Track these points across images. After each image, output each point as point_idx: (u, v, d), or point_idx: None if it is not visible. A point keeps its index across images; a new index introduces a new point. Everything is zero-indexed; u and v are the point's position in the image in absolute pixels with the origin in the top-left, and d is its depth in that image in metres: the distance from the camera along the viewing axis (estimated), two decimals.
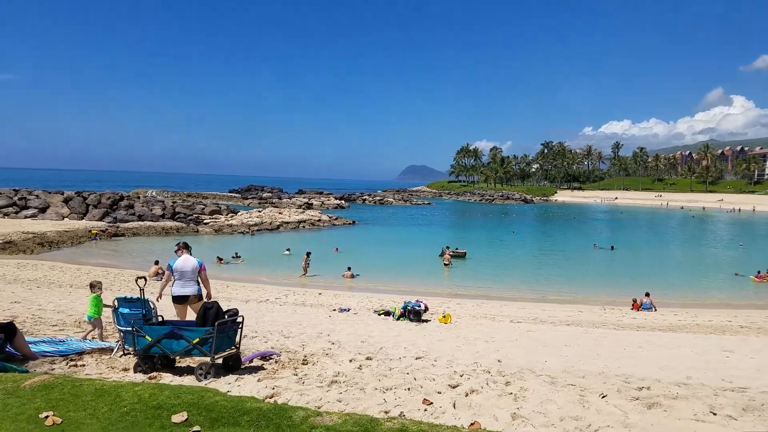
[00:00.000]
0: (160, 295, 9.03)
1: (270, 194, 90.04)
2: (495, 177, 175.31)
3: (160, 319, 7.11)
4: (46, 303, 13.34)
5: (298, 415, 3.89)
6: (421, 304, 14.17)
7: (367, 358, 7.73)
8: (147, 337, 6.24)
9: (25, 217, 42.44)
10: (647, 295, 21.19)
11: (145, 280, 7.25)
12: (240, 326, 6.72)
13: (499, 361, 8.51)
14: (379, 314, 14.83)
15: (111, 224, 42.77)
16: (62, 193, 48.49)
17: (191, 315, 8.37)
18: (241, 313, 6.97)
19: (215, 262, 30.44)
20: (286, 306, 16.19)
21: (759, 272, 30.24)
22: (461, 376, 6.37)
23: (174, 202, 54.18)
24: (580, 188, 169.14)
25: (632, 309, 20.75)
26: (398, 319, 13.92)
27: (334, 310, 15.51)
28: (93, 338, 8.65)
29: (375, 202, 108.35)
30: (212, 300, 7.36)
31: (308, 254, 28.18)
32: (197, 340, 6.12)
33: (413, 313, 13.88)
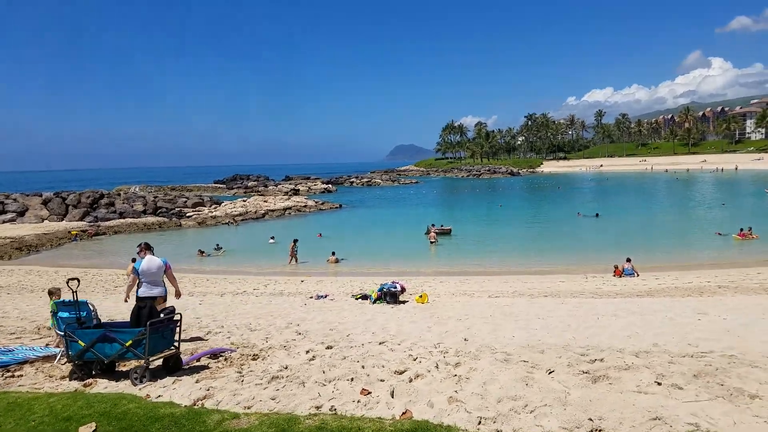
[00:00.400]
0: (127, 297, 8.81)
1: (255, 183, 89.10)
2: (481, 152, 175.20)
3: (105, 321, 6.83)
4: (11, 309, 13.01)
5: (212, 419, 3.67)
6: (397, 285, 13.99)
7: (327, 347, 7.53)
8: (80, 341, 5.97)
9: (3, 222, 41.71)
10: (628, 260, 21.14)
11: (78, 281, 6.92)
12: (178, 324, 6.45)
13: (465, 339, 8.34)
14: (357, 299, 14.65)
15: (92, 223, 42.18)
16: (40, 195, 47.73)
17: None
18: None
19: (197, 255, 30.12)
20: (263, 296, 15.95)
21: (741, 230, 30.35)
22: (415, 359, 6.19)
23: (155, 197, 53.53)
24: (565, 158, 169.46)
25: (614, 275, 20.71)
26: (374, 302, 13.73)
27: (311, 297, 15.29)
28: (48, 345, 8.38)
29: (363, 184, 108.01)
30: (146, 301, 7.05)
31: (295, 242, 27.86)
32: (130, 342, 5.86)
33: (389, 295, 13.71)
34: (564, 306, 13.02)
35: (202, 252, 30.25)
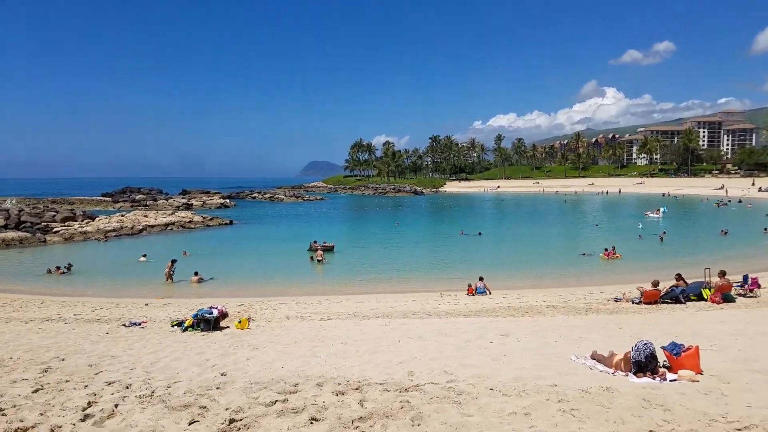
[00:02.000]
0: None
1: (144, 196, 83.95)
2: (387, 170, 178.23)
3: None
4: None
5: None
6: (214, 310, 13.04)
7: (36, 391, 6.52)
8: None
9: None
10: (481, 279, 21.52)
11: None
12: None
13: (222, 374, 7.66)
14: (173, 325, 13.51)
15: None
16: None
17: None
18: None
19: (45, 273, 27.56)
20: (74, 323, 14.36)
21: (606, 250, 31.92)
22: (84, 409, 5.37)
23: (20, 211, 48.65)
24: (467, 179, 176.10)
25: (467, 294, 20.97)
26: (185, 330, 12.69)
27: (124, 324, 13.95)
28: None
29: (266, 199, 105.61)
30: None
31: (173, 262, 26.48)
32: None
33: (203, 322, 12.74)
34: (385, 328, 12.70)
35: (53, 270, 27.69)
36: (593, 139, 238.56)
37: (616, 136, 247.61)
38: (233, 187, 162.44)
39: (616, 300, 17.60)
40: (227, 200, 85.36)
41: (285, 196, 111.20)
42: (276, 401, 5.33)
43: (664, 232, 40.40)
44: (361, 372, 7.56)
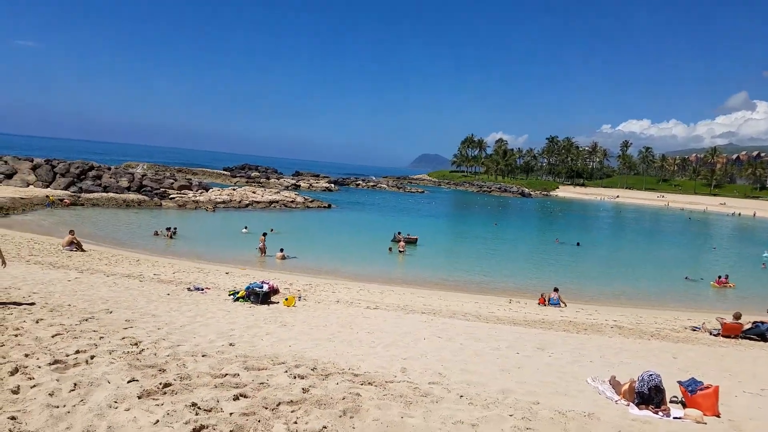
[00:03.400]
0: None
1: (259, 174, 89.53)
2: (496, 169, 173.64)
3: None
4: None
5: None
6: (264, 285, 13.69)
7: (54, 335, 7.28)
8: None
9: None
10: (556, 290, 20.53)
11: None
12: None
13: (231, 344, 8.09)
14: (230, 295, 14.37)
15: (74, 194, 42.66)
16: (31, 160, 48.37)
17: None
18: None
19: (153, 235, 30.52)
20: (146, 282, 15.64)
21: (719, 277, 28.84)
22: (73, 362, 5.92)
23: (143, 176, 53.99)
24: (583, 184, 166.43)
25: (538, 303, 20.10)
26: (236, 300, 13.45)
27: (188, 288, 15.04)
28: None
29: (368, 188, 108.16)
30: None
31: (265, 235, 28.41)
32: None
33: (253, 295, 13.43)
34: (422, 324, 12.55)
35: (167, 230, 30.73)
36: (734, 156, 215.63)
37: (762, 154, 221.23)
38: (344, 173, 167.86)
39: (694, 329, 15.94)
40: (332, 185, 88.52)
41: (387, 186, 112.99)
42: (227, 374, 5.53)
43: None
44: (357, 361, 7.57)
